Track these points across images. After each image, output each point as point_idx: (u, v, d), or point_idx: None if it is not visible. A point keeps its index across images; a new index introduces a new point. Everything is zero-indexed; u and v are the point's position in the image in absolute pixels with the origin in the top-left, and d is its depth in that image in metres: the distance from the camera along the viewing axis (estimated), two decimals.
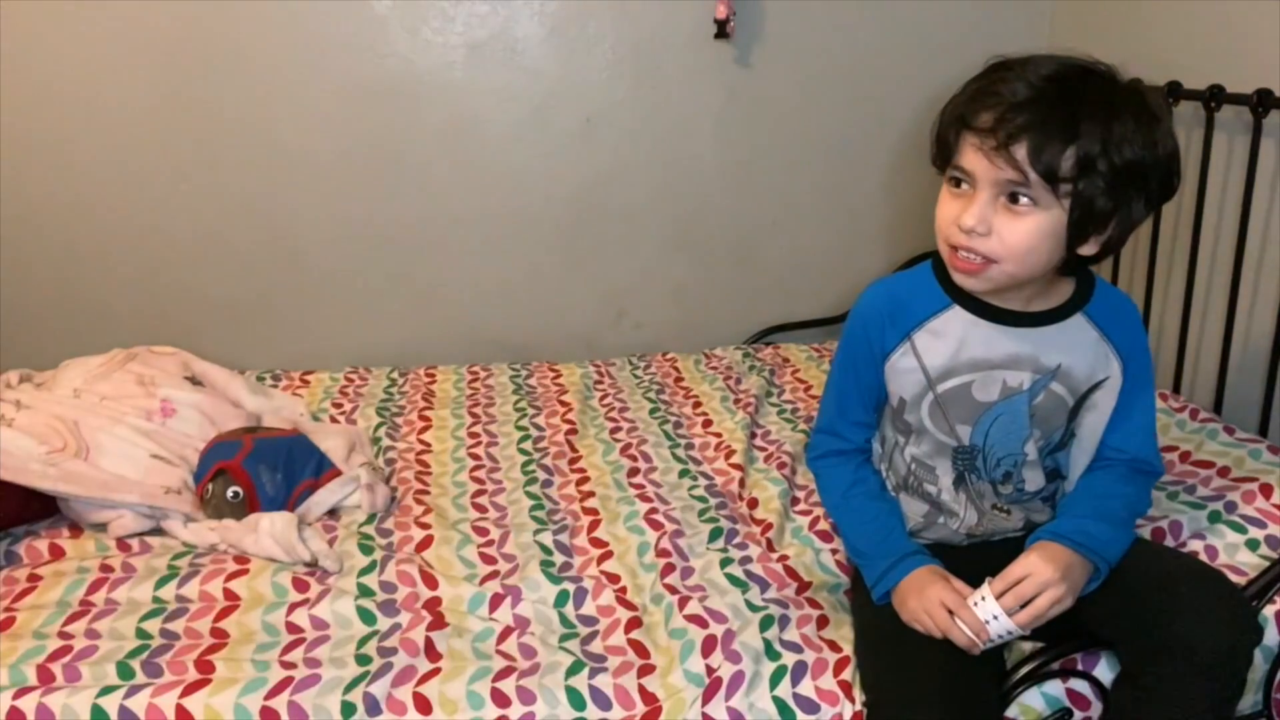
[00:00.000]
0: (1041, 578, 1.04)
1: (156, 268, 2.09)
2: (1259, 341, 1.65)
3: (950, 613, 1.05)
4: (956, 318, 1.12)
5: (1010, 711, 1.10)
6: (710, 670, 1.12)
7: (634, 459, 1.66)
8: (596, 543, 1.40)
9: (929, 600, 1.06)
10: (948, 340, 1.12)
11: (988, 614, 1.03)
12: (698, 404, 1.89)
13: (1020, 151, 0.96)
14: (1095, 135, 0.96)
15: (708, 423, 1.80)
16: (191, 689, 1.07)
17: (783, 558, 1.34)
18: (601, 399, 1.93)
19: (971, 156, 1.00)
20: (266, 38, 1.98)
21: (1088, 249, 1.03)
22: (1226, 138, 1.69)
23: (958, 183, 1.04)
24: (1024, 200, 0.99)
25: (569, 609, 1.25)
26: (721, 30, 2.05)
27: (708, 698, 1.09)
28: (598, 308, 2.27)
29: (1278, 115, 1.56)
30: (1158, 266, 1.84)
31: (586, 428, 1.80)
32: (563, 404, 1.90)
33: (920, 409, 1.15)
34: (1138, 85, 1.02)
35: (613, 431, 1.78)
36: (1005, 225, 1.00)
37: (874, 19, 2.13)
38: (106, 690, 1.08)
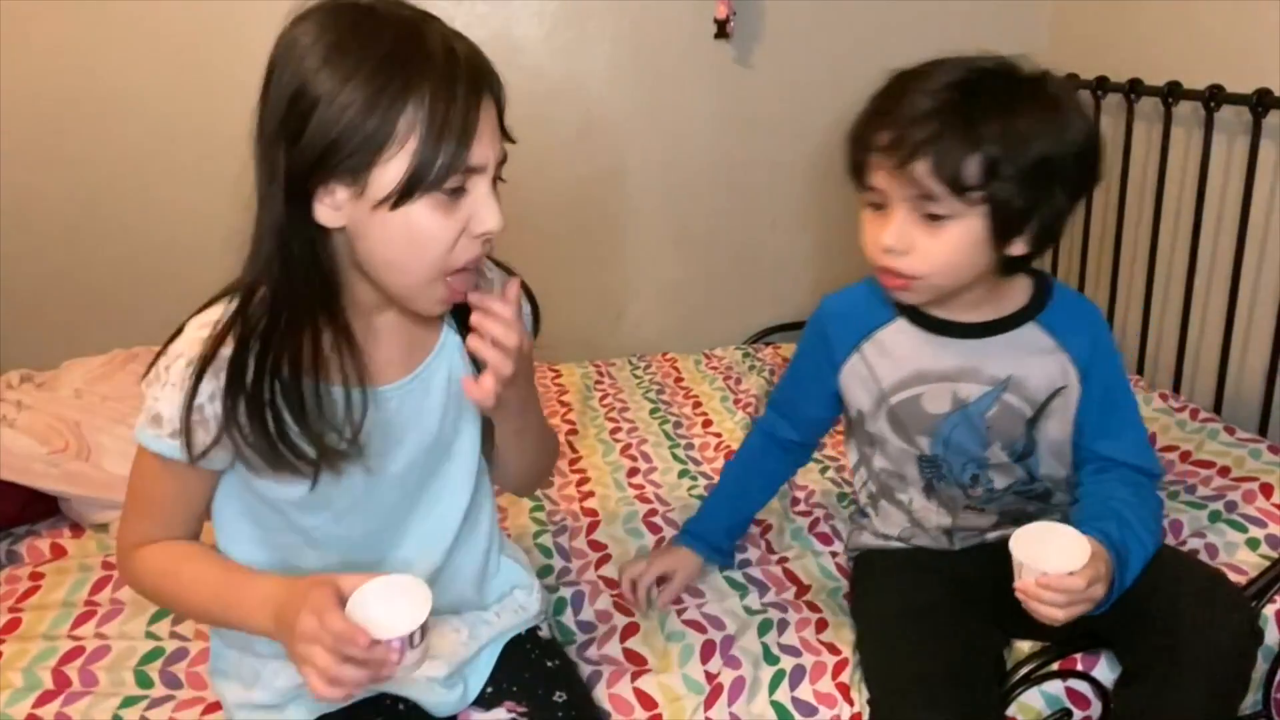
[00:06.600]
0: (1096, 594, 0.96)
1: (157, 268, 2.09)
2: (1259, 341, 1.65)
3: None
4: (901, 330, 1.12)
5: (1010, 711, 1.10)
6: (710, 676, 1.12)
7: (634, 459, 1.66)
8: (595, 545, 1.40)
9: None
10: (894, 352, 1.12)
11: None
12: (698, 404, 1.89)
13: (921, 168, 0.95)
14: (995, 138, 0.94)
15: (708, 423, 1.80)
16: (213, 709, 1.08)
17: (782, 560, 1.34)
18: (601, 399, 1.93)
19: (879, 177, 1.00)
20: (267, 37, 1.97)
21: (1017, 249, 1.01)
22: (1226, 138, 1.69)
23: (876, 205, 1.02)
24: (939, 214, 0.97)
25: (566, 616, 1.24)
26: (721, 30, 2.05)
27: (709, 704, 1.09)
28: (597, 308, 2.26)
29: (1278, 115, 1.56)
30: (1157, 266, 1.84)
31: (586, 428, 1.80)
32: (563, 404, 1.90)
33: (879, 420, 1.15)
34: (1039, 76, 0.99)
35: (613, 431, 1.78)
36: (924, 242, 0.99)
37: (873, 19, 2.13)
38: (129, 702, 1.09)
